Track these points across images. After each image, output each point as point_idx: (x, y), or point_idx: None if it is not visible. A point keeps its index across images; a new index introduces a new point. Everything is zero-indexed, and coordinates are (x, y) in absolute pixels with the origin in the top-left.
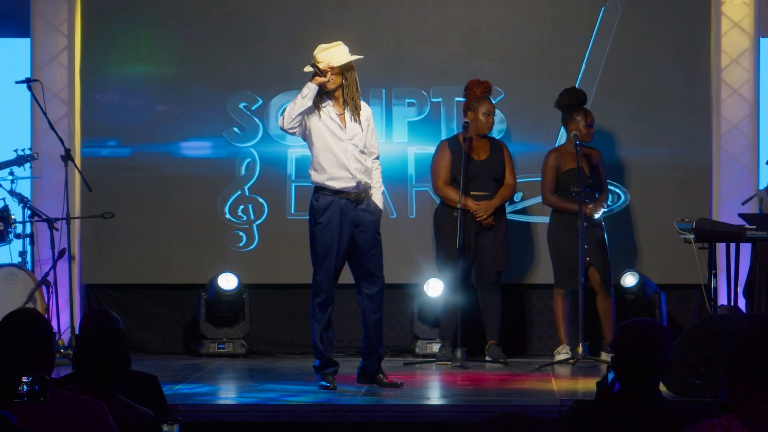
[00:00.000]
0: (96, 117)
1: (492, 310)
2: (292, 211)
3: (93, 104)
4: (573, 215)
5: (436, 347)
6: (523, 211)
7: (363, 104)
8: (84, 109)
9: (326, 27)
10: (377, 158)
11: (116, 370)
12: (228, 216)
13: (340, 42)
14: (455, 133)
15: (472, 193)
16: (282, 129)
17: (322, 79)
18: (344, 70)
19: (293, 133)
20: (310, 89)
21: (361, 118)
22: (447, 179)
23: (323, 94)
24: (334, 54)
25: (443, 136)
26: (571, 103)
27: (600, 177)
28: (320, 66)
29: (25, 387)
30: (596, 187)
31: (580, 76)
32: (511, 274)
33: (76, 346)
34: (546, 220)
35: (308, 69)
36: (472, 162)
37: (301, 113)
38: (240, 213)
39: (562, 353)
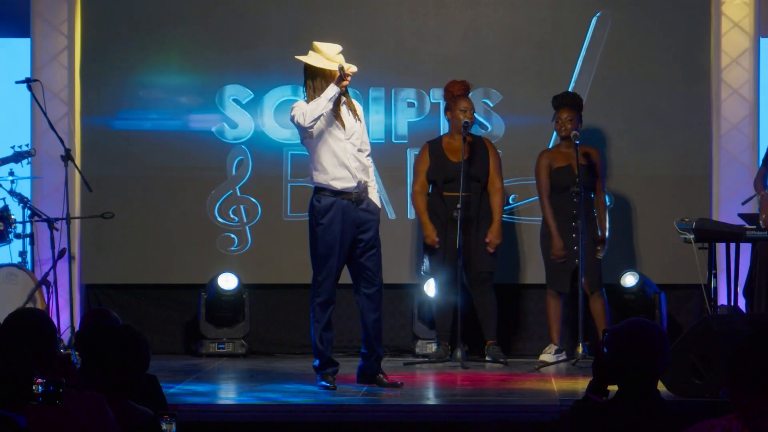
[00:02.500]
0: (95, 114)
1: (486, 311)
2: (289, 212)
3: (93, 102)
4: (564, 215)
5: (435, 347)
6: (516, 212)
7: (354, 101)
8: (84, 107)
9: (326, 27)
10: (369, 155)
11: (134, 371)
12: (219, 218)
13: (339, 46)
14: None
15: (445, 194)
16: (299, 126)
17: (345, 83)
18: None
19: (309, 133)
20: (335, 92)
21: (358, 114)
22: (423, 183)
23: (317, 91)
24: (333, 53)
25: None
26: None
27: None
28: (345, 69)
29: (40, 388)
30: (589, 187)
31: (574, 76)
32: (507, 275)
33: (90, 344)
34: (537, 220)
35: (325, 65)
36: (448, 163)
37: (321, 114)
38: (231, 214)
39: (548, 353)
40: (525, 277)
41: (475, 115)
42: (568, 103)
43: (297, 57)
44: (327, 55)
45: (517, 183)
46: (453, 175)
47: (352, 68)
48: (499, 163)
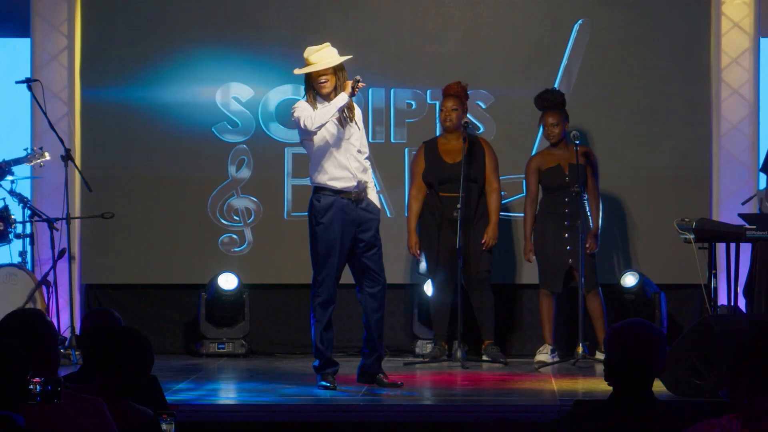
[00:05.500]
0: (95, 114)
1: (484, 310)
2: (290, 212)
3: (93, 102)
4: (556, 215)
5: (432, 347)
6: (512, 208)
7: (355, 105)
8: (83, 107)
9: (326, 26)
10: (368, 158)
11: (137, 373)
12: (219, 218)
13: (327, 43)
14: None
15: (442, 194)
16: (304, 129)
17: (354, 92)
18: (336, 70)
19: (312, 137)
20: (344, 101)
21: (355, 117)
22: (420, 185)
23: (318, 96)
24: (325, 56)
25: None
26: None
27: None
28: (359, 81)
29: (38, 387)
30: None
31: (558, 77)
32: (504, 274)
33: (95, 344)
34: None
35: (308, 70)
36: (443, 165)
37: (328, 120)
38: (232, 214)
39: (543, 353)
40: (521, 276)
41: (468, 116)
42: (550, 105)
43: (296, 72)
44: (309, 60)
45: (512, 181)
46: (448, 176)
47: (357, 77)
48: (496, 164)
